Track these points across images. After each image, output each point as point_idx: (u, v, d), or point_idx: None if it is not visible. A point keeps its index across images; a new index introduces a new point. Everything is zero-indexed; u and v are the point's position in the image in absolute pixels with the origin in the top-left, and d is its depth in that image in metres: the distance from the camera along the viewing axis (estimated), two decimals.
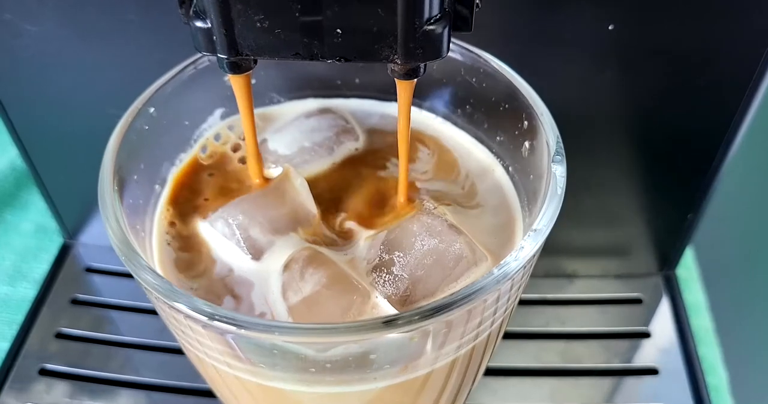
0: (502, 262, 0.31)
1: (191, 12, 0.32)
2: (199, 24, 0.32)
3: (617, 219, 0.57)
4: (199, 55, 0.42)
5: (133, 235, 0.36)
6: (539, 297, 0.61)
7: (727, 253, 0.78)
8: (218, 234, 0.38)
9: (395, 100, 0.36)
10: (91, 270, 0.64)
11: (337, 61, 0.32)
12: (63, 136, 0.53)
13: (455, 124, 0.45)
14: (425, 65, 0.33)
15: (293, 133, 0.43)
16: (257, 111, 0.46)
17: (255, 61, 0.35)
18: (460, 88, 0.43)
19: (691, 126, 0.49)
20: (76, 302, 0.62)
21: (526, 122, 0.39)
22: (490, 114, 0.42)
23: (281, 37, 0.31)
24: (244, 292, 0.36)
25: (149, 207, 0.40)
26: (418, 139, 0.44)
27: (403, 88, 0.35)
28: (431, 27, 0.30)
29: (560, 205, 0.34)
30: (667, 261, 0.60)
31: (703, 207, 0.55)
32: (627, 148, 0.51)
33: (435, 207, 0.38)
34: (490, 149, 0.43)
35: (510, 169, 0.42)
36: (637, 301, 0.60)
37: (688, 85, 0.46)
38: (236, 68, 0.34)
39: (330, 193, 0.40)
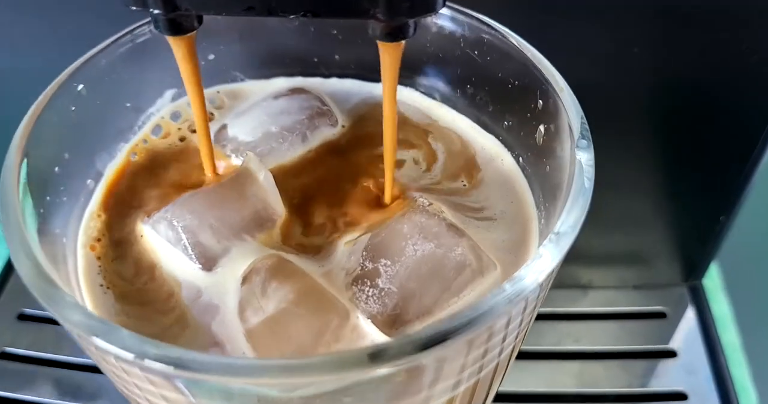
0: (515, 275, 0.25)
1: None
2: None
3: (638, 221, 0.51)
4: (144, 21, 0.35)
5: (49, 241, 0.29)
6: (550, 311, 0.54)
7: (752, 260, 0.72)
8: (161, 239, 0.32)
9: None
10: None
11: (302, 16, 0.26)
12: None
13: (454, 106, 0.39)
14: (415, 24, 0.27)
15: (258, 117, 0.37)
16: (220, 88, 0.40)
17: (199, 20, 0.29)
18: (459, 63, 0.37)
19: (726, 113, 0.44)
20: (23, 317, 0.54)
21: (540, 101, 0.33)
22: (496, 94, 0.37)
23: None
24: (192, 313, 0.31)
25: (77, 206, 0.34)
26: (409, 123, 0.39)
27: (388, 53, 0.29)
28: None
29: (588, 202, 0.28)
30: (693, 270, 0.55)
31: (737, 209, 0.50)
32: (651, 139, 0.46)
33: (430, 204, 0.32)
34: (497, 136, 0.38)
35: (521, 159, 0.36)
36: (660, 315, 0.55)
37: (726, 62, 0.41)
38: (175, 28, 0.28)
39: (301, 189, 0.35)
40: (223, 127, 0.37)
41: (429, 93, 0.40)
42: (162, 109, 0.38)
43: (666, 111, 0.44)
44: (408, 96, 0.40)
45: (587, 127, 0.30)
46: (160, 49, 0.35)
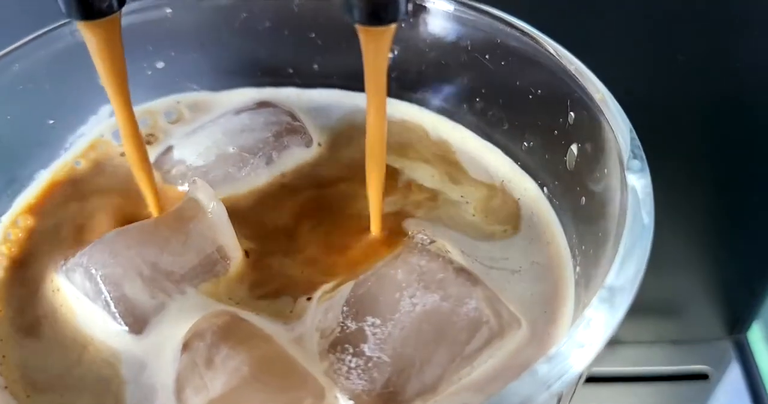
0: (554, 352, 0.18)
1: None
2: None
3: (676, 264, 0.46)
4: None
5: None
6: None
7: None
8: (77, 291, 0.26)
9: None
10: None
11: None
12: None
13: (461, 123, 0.34)
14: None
15: (212, 135, 0.31)
16: (180, 97, 0.34)
17: (120, 1, 0.23)
18: (465, 71, 0.32)
19: None
20: None
21: (572, 113, 0.27)
22: (513, 107, 0.31)
23: None
24: (113, 394, 0.25)
25: None
26: (401, 141, 0.33)
27: (372, 43, 0.23)
28: None
29: (650, 245, 0.21)
30: (738, 321, 0.51)
31: None
32: (695, 165, 0.42)
33: (431, 242, 0.27)
34: (515, 159, 0.32)
35: (546, 188, 0.30)
36: (701, 377, 0.50)
37: None
38: (87, 9, 0.22)
39: (264, 225, 0.30)
40: (169, 148, 0.32)
41: (428, 106, 0.34)
42: (96, 127, 0.33)
43: (714, 132, 0.40)
44: (401, 109, 0.34)
45: (638, 143, 0.24)
46: None
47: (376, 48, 0.23)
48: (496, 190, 0.31)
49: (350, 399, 0.24)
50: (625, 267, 0.20)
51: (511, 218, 0.29)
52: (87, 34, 0.23)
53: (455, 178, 0.32)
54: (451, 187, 0.31)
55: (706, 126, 0.39)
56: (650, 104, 0.37)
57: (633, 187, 0.23)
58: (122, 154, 0.32)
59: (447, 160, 0.33)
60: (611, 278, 0.20)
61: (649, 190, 0.22)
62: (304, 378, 0.25)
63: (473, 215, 0.30)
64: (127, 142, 0.26)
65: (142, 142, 0.27)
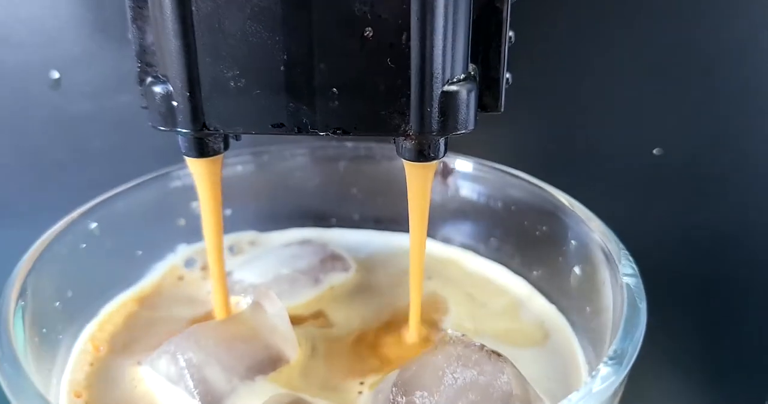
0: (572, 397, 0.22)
1: (149, 80, 0.26)
2: (157, 89, 0.25)
3: None
4: (167, 169, 0.36)
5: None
6: None
7: None
8: (161, 378, 0.29)
9: (401, 230, 0.31)
10: None
11: (332, 133, 0.26)
12: None
13: (478, 253, 0.39)
14: (446, 144, 0.27)
15: (268, 261, 0.36)
16: (241, 235, 0.40)
17: (225, 143, 0.28)
18: (481, 217, 0.38)
19: None
20: None
21: (572, 242, 0.33)
22: (523, 243, 0.36)
23: (260, 101, 0.25)
24: None
25: (64, 347, 0.31)
26: (433, 266, 0.38)
27: (417, 176, 0.28)
28: (453, 87, 0.25)
29: (644, 322, 0.25)
30: None
31: None
32: (708, 318, 0.42)
33: (463, 335, 0.29)
34: (530, 283, 0.36)
35: (557, 305, 0.35)
36: None
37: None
38: (200, 149, 0.28)
39: (318, 329, 0.34)
40: (229, 273, 0.35)
41: (449, 242, 0.39)
42: (172, 261, 0.37)
43: (699, 283, 0.41)
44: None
45: (628, 253, 0.29)
46: (179, 200, 0.36)
47: (421, 179, 0.28)
48: (519, 309, 0.35)
49: None
50: (626, 337, 0.24)
51: (532, 332, 0.33)
52: (197, 168, 0.28)
53: (479, 298, 0.35)
54: (476, 303, 0.35)
55: (690, 275, 0.40)
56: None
57: (627, 283, 0.27)
58: (181, 279, 0.37)
59: (464, 280, 0.37)
60: (616, 344, 0.24)
61: (641, 285, 0.27)
62: None
63: (499, 327, 0.33)
64: (211, 254, 0.30)
65: (222, 253, 0.31)
